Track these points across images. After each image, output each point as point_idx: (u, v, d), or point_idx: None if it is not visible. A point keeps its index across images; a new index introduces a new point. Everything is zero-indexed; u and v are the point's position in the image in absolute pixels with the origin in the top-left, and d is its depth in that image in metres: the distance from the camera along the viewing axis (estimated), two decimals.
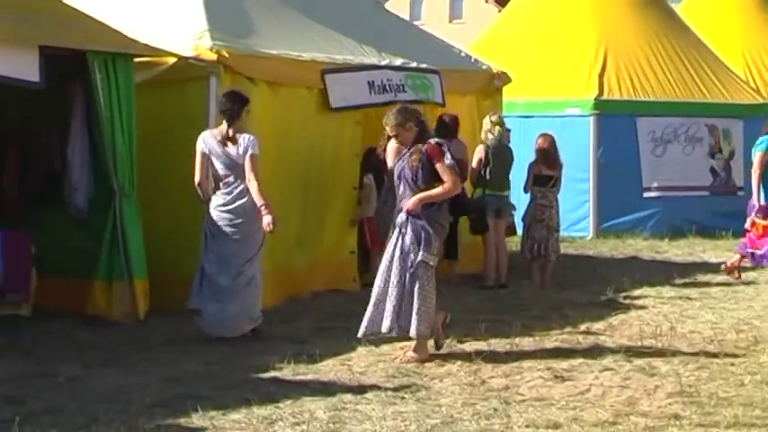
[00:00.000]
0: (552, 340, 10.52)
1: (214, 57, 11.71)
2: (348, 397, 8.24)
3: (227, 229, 10.37)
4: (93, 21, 11.08)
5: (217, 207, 10.39)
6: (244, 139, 10.31)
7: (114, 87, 10.95)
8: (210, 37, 11.88)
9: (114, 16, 11.60)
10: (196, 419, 7.58)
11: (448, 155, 9.68)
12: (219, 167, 10.39)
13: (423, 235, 9.55)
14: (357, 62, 13.48)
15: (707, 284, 14.23)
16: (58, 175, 11.54)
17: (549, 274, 14.01)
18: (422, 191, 9.58)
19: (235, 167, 10.32)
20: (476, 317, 11.10)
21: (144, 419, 7.49)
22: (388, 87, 13.59)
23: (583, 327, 11.17)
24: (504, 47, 20.02)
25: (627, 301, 12.74)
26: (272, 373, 9.05)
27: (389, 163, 12.36)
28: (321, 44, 13.30)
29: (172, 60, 11.71)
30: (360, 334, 9.74)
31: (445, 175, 9.58)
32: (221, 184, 10.41)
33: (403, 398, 8.29)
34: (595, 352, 9.98)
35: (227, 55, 11.77)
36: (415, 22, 37.15)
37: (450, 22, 61.65)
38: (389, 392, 8.41)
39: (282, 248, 12.62)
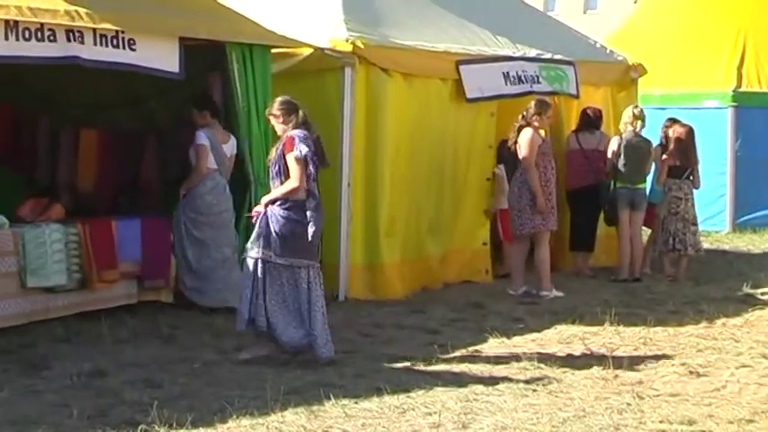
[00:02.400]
0: (687, 335, 10.37)
1: (349, 48, 11.81)
2: (480, 388, 8.23)
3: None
4: (231, 12, 11.24)
5: (203, 196, 11.16)
6: (231, 138, 11.30)
7: (251, 78, 11.10)
8: (346, 28, 11.97)
9: (252, 7, 11.76)
10: (329, 407, 7.64)
11: (301, 146, 8.88)
12: (212, 162, 11.16)
13: (263, 232, 9.01)
14: (491, 53, 13.44)
15: None
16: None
17: (684, 269, 13.81)
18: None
19: (222, 163, 11.23)
20: (608, 310, 10.99)
21: (277, 406, 7.59)
22: (523, 78, 13.54)
23: (719, 322, 10.99)
24: (639, 37, 19.76)
25: (764, 297, 12.50)
26: (404, 363, 9.07)
27: (524, 153, 12.33)
28: (455, 35, 13.30)
29: (308, 51, 11.84)
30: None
31: (291, 170, 8.91)
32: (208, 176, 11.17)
33: (534, 390, 8.25)
34: (732, 348, 9.82)
35: (362, 46, 11.86)
36: (549, 13, 36.90)
37: (584, 12, 61.01)
38: (521, 384, 8.39)
39: (416, 238, 12.67)
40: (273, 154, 9.16)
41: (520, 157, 12.38)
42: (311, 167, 8.93)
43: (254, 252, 9.07)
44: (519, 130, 12.45)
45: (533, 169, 12.29)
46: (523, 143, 12.33)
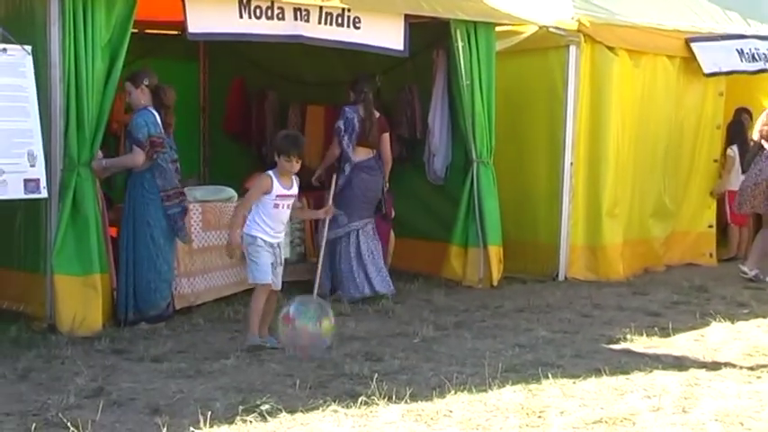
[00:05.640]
0: None
1: (575, 26, 11.70)
2: (702, 373, 8.06)
3: None
4: None
5: None
6: None
7: (475, 55, 11.11)
8: (572, 6, 11.86)
9: None
10: (546, 386, 7.60)
11: (339, 121, 10.60)
12: None
13: None
14: (721, 31, 13.10)
15: None
16: (418, 141, 11.82)
17: None
18: None
19: None
20: None
21: (495, 384, 7.60)
22: (756, 56, 13.14)
23: None
24: None
25: None
26: (624, 345, 8.97)
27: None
28: (684, 12, 13.03)
29: (532, 29, 11.78)
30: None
31: None
32: None
33: (759, 377, 8.03)
34: None
35: (587, 24, 11.74)
36: None
37: None
38: (745, 370, 8.18)
39: (639, 219, 12.50)
40: None
41: None
42: (340, 138, 10.54)
43: None
44: None
45: None
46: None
